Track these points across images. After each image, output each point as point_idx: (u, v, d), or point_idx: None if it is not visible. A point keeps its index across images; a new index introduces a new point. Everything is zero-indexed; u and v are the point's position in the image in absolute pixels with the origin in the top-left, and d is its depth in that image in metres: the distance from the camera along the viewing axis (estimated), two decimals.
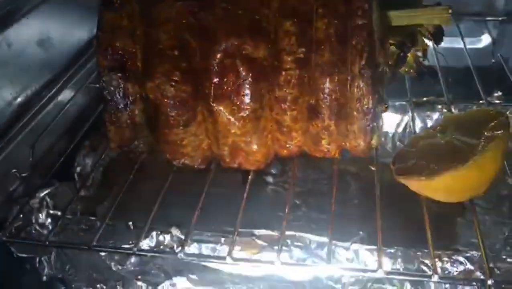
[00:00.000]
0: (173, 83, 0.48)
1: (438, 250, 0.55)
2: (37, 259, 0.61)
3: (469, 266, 0.55)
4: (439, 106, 0.75)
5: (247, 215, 0.55)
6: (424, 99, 0.76)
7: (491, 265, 0.53)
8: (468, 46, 0.81)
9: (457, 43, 0.83)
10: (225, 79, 0.48)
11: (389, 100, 0.69)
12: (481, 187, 0.49)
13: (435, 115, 0.76)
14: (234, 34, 0.47)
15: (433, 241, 0.50)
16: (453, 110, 0.73)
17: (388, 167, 0.57)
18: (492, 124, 0.50)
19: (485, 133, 0.49)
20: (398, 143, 0.78)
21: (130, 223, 0.61)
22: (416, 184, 0.51)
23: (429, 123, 0.76)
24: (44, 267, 0.61)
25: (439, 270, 0.53)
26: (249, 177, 0.58)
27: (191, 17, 0.48)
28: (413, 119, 0.71)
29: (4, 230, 0.56)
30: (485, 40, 0.90)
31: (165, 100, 0.48)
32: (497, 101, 0.76)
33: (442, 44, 0.62)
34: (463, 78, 0.85)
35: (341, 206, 0.63)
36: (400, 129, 0.78)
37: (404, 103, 0.74)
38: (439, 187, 0.49)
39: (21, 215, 0.60)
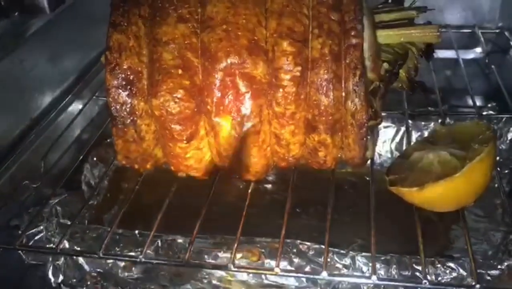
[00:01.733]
0: (177, 100, 0.50)
1: (432, 256, 0.57)
2: (48, 266, 0.63)
3: (462, 272, 0.56)
4: (434, 117, 0.77)
5: (247, 222, 0.57)
6: (420, 110, 0.78)
7: (482, 271, 0.55)
8: (462, 57, 0.83)
9: (452, 54, 0.85)
10: (226, 96, 0.50)
11: (386, 111, 0.72)
12: (469, 197, 0.52)
13: (430, 126, 0.78)
14: (234, 53, 0.49)
15: (425, 248, 0.52)
16: (448, 120, 0.75)
17: (384, 176, 0.59)
18: (480, 137, 0.52)
19: (474, 146, 0.52)
20: (395, 152, 0.80)
21: (136, 231, 0.63)
22: (407, 195, 0.53)
23: (425, 133, 0.78)
24: (54, 274, 0.63)
25: (433, 276, 0.55)
26: (250, 186, 0.61)
27: (193, 37, 0.50)
28: (408, 130, 0.74)
29: (16, 238, 0.58)
30: (479, 51, 0.92)
31: (170, 116, 0.51)
32: (491, 112, 0.79)
33: (437, 55, 0.64)
34: (457, 89, 0.87)
35: (339, 214, 0.66)
36: (397, 139, 0.81)
37: (400, 114, 0.77)
38: (429, 197, 0.51)
39: (32, 224, 0.62)
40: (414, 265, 0.57)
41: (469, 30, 0.90)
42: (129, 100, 0.52)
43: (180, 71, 0.50)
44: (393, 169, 0.57)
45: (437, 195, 0.50)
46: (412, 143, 0.69)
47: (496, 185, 0.66)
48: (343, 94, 0.51)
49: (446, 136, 0.58)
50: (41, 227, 0.63)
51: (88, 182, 0.76)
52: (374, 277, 0.49)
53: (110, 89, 0.51)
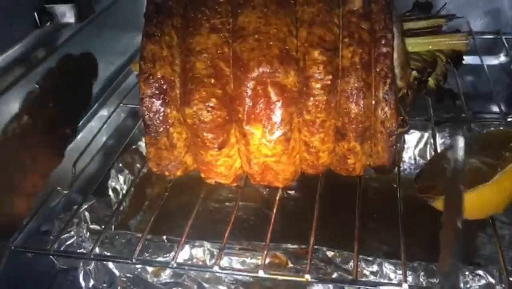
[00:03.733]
0: (209, 109, 0.51)
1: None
2: (79, 271, 0.64)
3: (490, 280, 0.56)
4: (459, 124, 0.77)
5: (273, 228, 0.58)
6: (445, 116, 0.78)
7: (510, 279, 0.55)
8: (486, 63, 0.83)
9: (476, 60, 0.85)
10: (257, 104, 0.51)
11: (411, 118, 0.72)
12: (500, 205, 0.52)
13: (455, 132, 0.77)
14: (266, 62, 0.50)
15: None
16: (472, 126, 0.75)
17: (409, 182, 0.59)
18: (511, 145, 0.52)
19: (505, 154, 0.52)
20: (419, 158, 0.80)
21: (164, 236, 0.64)
22: (438, 203, 0.53)
23: (449, 140, 0.77)
24: (85, 279, 0.64)
25: (461, 284, 0.55)
26: (278, 193, 0.61)
27: (225, 47, 0.51)
28: (434, 136, 0.74)
29: (48, 243, 0.60)
30: (504, 57, 0.92)
31: (202, 125, 0.51)
32: None
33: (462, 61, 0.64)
34: (482, 95, 0.87)
35: (364, 220, 0.66)
36: (420, 145, 0.81)
37: (425, 120, 0.77)
38: None
39: (63, 229, 0.64)
40: None
41: (493, 36, 0.90)
42: (162, 109, 0.53)
43: (212, 80, 0.51)
44: (421, 176, 0.57)
45: (468, 204, 0.50)
46: (437, 149, 0.69)
47: None
48: (373, 102, 0.51)
49: (473, 144, 0.58)
50: (72, 233, 0.65)
51: (114, 188, 0.78)
52: (405, 285, 0.49)
53: (144, 98, 0.52)
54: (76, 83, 0.49)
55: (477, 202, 0.51)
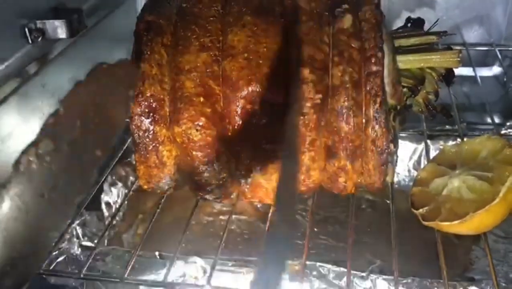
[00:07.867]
0: (198, 128, 0.51)
1: (453, 279, 0.56)
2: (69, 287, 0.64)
3: None
4: (452, 136, 0.77)
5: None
6: (438, 128, 0.78)
7: None
8: (480, 75, 0.83)
9: (470, 72, 0.85)
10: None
11: (404, 131, 0.71)
12: (506, 214, 0.52)
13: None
14: (255, 81, 0.50)
15: (447, 272, 0.52)
16: (466, 139, 0.75)
17: (404, 195, 0.58)
18: (502, 154, 0.52)
19: (497, 164, 0.51)
20: (413, 171, 0.80)
21: (156, 253, 0.64)
22: (446, 228, 0.53)
23: None
24: None
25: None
26: (271, 207, 0.61)
27: (215, 66, 0.51)
28: (427, 149, 0.74)
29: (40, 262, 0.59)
30: (497, 69, 0.92)
31: (191, 144, 0.51)
32: (510, 130, 0.78)
33: (455, 72, 0.64)
34: (475, 107, 0.87)
35: (357, 234, 0.65)
36: (414, 158, 0.80)
37: (418, 133, 0.76)
38: (473, 226, 0.51)
39: (55, 246, 0.63)
40: (435, 288, 0.56)
41: (487, 48, 0.90)
42: (151, 127, 0.52)
43: (201, 99, 0.51)
44: (417, 201, 0.56)
45: (481, 222, 0.50)
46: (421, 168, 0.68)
47: None
48: (364, 120, 0.51)
49: (456, 156, 0.57)
50: (63, 249, 0.64)
51: (107, 201, 0.77)
52: None
53: (134, 116, 0.52)
54: None
55: (489, 219, 0.51)
